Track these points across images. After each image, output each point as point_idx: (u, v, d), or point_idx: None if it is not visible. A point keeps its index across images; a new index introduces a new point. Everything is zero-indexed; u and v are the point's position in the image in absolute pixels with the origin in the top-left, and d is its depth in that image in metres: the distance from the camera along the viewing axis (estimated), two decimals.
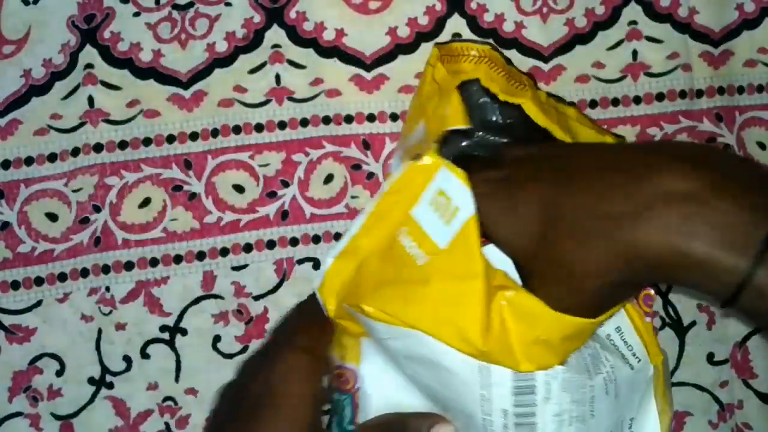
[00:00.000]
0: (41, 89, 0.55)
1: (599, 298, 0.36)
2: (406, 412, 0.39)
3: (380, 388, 0.40)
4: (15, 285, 0.54)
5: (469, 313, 0.36)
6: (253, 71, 0.55)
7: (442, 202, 0.38)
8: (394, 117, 0.55)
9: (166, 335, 0.54)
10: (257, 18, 0.55)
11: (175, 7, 0.55)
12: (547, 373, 0.36)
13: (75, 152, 0.54)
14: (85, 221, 0.54)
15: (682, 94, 0.56)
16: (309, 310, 0.42)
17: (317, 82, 0.55)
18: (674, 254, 0.33)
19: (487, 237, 0.38)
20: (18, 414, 0.54)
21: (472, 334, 0.35)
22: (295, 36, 0.55)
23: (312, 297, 0.42)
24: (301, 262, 0.54)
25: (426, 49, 0.55)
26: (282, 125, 0.55)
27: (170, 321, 0.54)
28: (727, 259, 0.32)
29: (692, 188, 0.33)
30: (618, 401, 0.39)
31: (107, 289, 0.54)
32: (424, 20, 0.55)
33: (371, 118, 0.55)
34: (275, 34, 0.55)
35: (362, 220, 0.40)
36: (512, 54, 0.55)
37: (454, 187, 0.38)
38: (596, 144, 0.43)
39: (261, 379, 0.39)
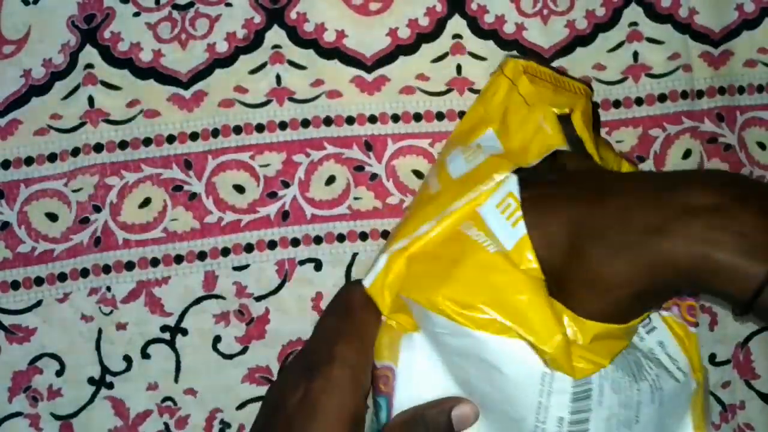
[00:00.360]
0: (41, 89, 0.54)
1: (627, 306, 0.37)
2: (422, 404, 0.39)
3: (418, 387, 0.39)
4: (15, 285, 0.54)
5: (542, 311, 0.36)
6: (253, 72, 0.55)
7: (511, 204, 0.39)
8: (395, 118, 0.54)
9: (166, 335, 0.54)
10: (258, 18, 0.55)
11: (176, 7, 0.55)
12: (600, 375, 0.36)
13: (75, 152, 0.54)
14: (85, 221, 0.54)
15: (684, 95, 0.56)
16: (347, 314, 0.41)
17: (318, 83, 0.55)
18: (700, 262, 0.35)
19: None
20: (18, 414, 0.53)
21: (548, 332, 0.36)
22: (296, 37, 0.55)
23: (343, 296, 0.42)
24: (302, 263, 0.54)
25: (427, 50, 0.55)
26: (283, 126, 0.55)
27: (171, 321, 0.54)
28: (749, 266, 0.34)
29: (717, 201, 0.36)
30: (662, 411, 0.39)
31: (108, 289, 0.54)
32: (424, 21, 0.55)
33: (373, 119, 0.55)
34: (276, 35, 0.55)
35: (434, 226, 0.41)
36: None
37: (512, 184, 0.39)
38: (621, 172, 0.46)
39: (300, 392, 0.39)
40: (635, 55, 0.56)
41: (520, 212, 0.38)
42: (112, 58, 0.55)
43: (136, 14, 0.55)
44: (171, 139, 0.54)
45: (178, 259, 0.54)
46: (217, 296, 0.54)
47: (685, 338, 0.42)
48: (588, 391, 0.36)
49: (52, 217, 0.54)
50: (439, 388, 0.39)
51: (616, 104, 0.55)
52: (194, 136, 0.55)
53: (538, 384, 0.36)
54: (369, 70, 0.55)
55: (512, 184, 0.40)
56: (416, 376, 0.39)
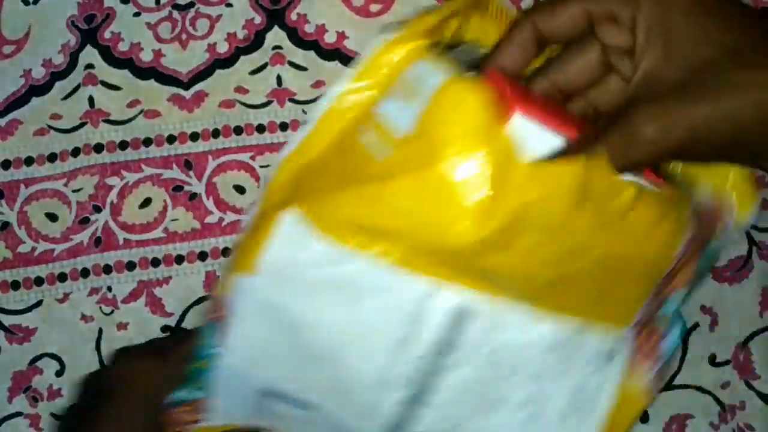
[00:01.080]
0: (41, 89, 0.54)
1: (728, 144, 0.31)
2: None
3: (246, 329, 0.36)
4: (15, 285, 0.54)
5: (445, 203, 0.31)
6: (254, 72, 0.55)
7: (407, 86, 0.33)
8: None
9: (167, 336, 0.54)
10: (258, 19, 0.55)
11: (176, 7, 0.55)
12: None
13: (75, 152, 0.54)
14: (85, 221, 0.54)
15: None
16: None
17: (319, 84, 0.55)
18: None
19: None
20: (18, 414, 0.53)
21: (454, 228, 0.31)
22: (296, 38, 0.55)
23: None
24: None
25: None
26: (284, 126, 0.55)
27: (172, 321, 0.54)
28: None
29: None
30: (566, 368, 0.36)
31: (109, 289, 0.54)
32: None
33: None
34: (276, 36, 0.55)
35: (318, 115, 0.35)
36: None
37: (421, 66, 0.33)
38: None
39: (104, 377, 0.41)
40: None
41: (417, 83, 0.32)
42: (112, 58, 0.55)
43: (137, 14, 0.55)
44: (171, 139, 0.54)
45: (179, 259, 0.54)
46: None
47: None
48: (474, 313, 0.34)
49: (52, 217, 0.54)
50: (267, 332, 0.36)
51: None
52: (195, 137, 0.55)
53: (413, 311, 0.33)
54: None
55: (413, 69, 0.33)
56: (245, 322, 0.36)
